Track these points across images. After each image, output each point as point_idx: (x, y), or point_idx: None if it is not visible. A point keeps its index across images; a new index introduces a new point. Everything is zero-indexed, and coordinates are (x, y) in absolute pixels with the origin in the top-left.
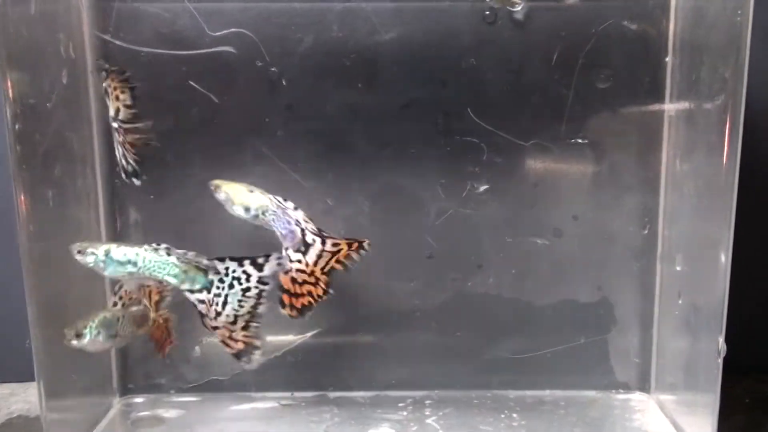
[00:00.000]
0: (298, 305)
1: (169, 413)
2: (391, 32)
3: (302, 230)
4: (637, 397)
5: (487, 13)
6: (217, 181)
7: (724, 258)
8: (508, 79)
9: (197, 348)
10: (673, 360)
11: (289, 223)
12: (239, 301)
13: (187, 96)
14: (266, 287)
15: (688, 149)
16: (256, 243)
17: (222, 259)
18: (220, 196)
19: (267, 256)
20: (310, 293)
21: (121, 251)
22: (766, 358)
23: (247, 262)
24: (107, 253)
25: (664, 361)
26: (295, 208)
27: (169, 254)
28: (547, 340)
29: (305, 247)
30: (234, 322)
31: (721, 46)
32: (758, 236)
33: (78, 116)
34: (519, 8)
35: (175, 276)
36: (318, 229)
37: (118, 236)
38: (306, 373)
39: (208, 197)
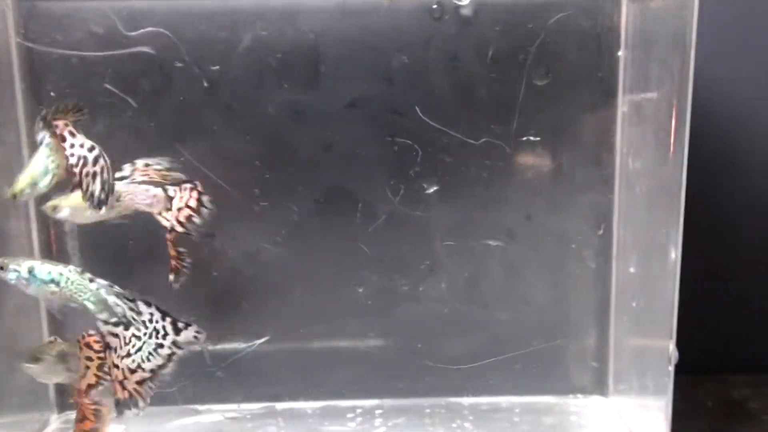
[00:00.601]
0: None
1: (110, 429)
2: (334, 28)
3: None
4: (594, 402)
5: (435, 6)
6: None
7: (674, 257)
8: (457, 76)
9: None
10: (629, 364)
11: (147, 191)
12: (149, 354)
13: (114, 99)
14: (178, 352)
15: (639, 146)
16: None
17: (149, 304)
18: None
19: (188, 325)
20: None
21: (45, 269)
22: (733, 360)
23: (168, 320)
24: (31, 271)
25: (621, 365)
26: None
27: (91, 281)
28: (503, 345)
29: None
30: (134, 371)
31: (669, 38)
32: (718, 232)
33: (5, 120)
34: (466, 2)
35: (94, 303)
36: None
37: (50, 247)
38: (253, 384)
39: None
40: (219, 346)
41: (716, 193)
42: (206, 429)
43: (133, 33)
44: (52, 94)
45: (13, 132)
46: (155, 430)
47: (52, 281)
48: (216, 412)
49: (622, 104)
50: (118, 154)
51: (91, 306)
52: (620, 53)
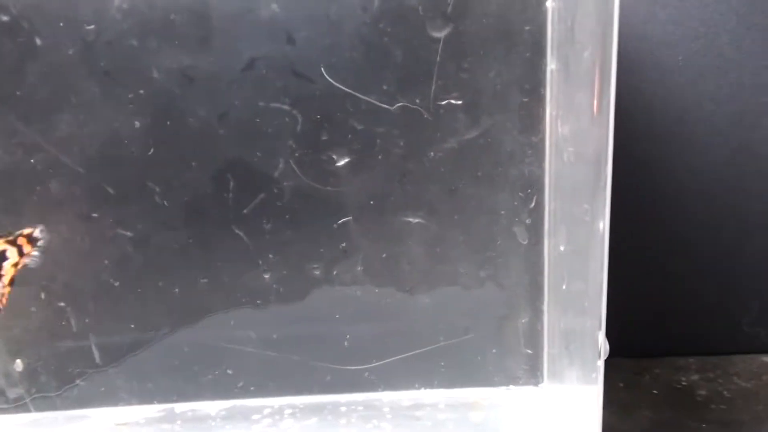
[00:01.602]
0: None
1: None
2: None
3: None
4: (526, 393)
5: None
6: None
7: (602, 230)
8: (366, 32)
9: (18, 361)
10: (561, 351)
11: None
12: None
13: None
14: None
15: (567, 108)
16: None
17: None
18: None
19: None
20: None
21: None
22: (683, 342)
23: None
24: None
25: (554, 352)
26: None
27: None
28: (428, 335)
29: None
30: None
31: None
32: (659, 205)
33: None
34: None
35: None
36: None
37: None
38: (148, 384)
39: None
40: (109, 340)
41: (649, 163)
42: None
43: None
44: None
45: None
46: None
47: None
48: (105, 417)
49: (551, 62)
50: None
51: None
52: (548, 3)
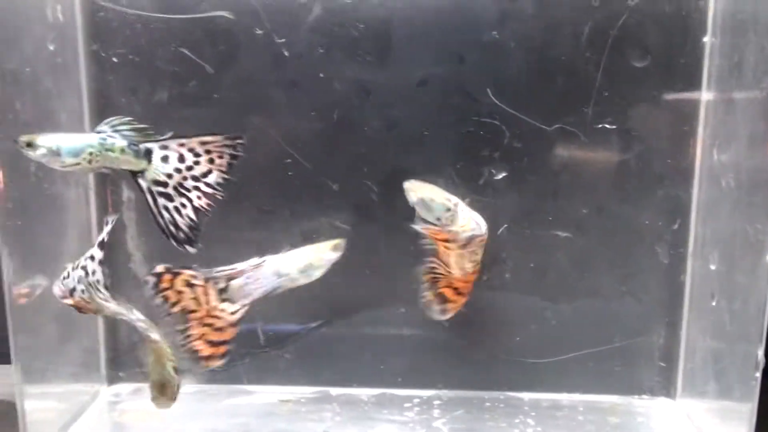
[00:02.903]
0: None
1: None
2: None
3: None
4: (661, 403)
5: None
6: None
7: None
8: (531, 57)
9: None
10: (703, 365)
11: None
12: None
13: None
14: None
15: (728, 138)
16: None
17: None
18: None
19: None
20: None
21: (71, 139)
22: None
23: None
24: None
25: (693, 366)
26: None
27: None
28: (568, 342)
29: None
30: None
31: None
32: None
33: (66, 86)
34: None
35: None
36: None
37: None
38: (307, 367)
39: None
40: (273, 328)
41: None
42: (259, 411)
43: None
44: (114, 60)
45: (75, 98)
46: (206, 409)
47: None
48: (269, 394)
49: (707, 93)
50: (177, 125)
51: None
52: (706, 38)
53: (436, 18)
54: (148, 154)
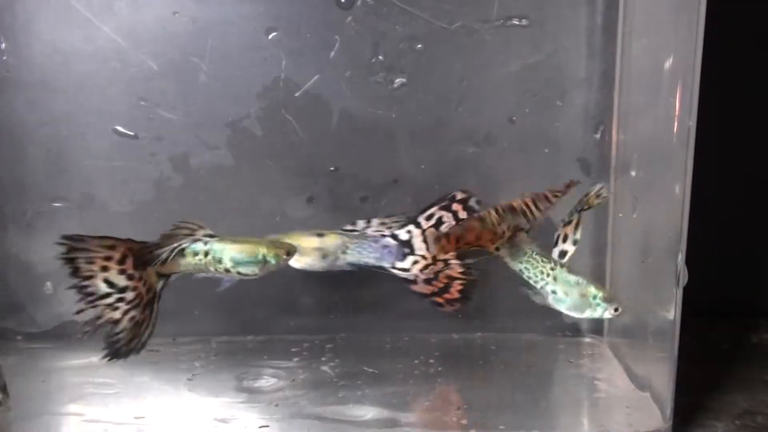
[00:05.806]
0: (455, 297)
1: (8, 361)
2: None
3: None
4: (587, 341)
5: None
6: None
7: (687, 158)
8: None
9: (48, 284)
10: (628, 288)
11: (375, 242)
12: None
13: None
14: None
15: (645, 23)
16: None
17: None
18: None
19: None
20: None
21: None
22: (758, 303)
23: None
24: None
25: (618, 291)
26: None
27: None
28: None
29: (407, 246)
30: None
31: None
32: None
33: None
34: None
35: None
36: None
37: None
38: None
39: None
40: None
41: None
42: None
43: None
44: None
45: None
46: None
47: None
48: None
49: None
50: None
51: None
52: None
53: None
54: None
